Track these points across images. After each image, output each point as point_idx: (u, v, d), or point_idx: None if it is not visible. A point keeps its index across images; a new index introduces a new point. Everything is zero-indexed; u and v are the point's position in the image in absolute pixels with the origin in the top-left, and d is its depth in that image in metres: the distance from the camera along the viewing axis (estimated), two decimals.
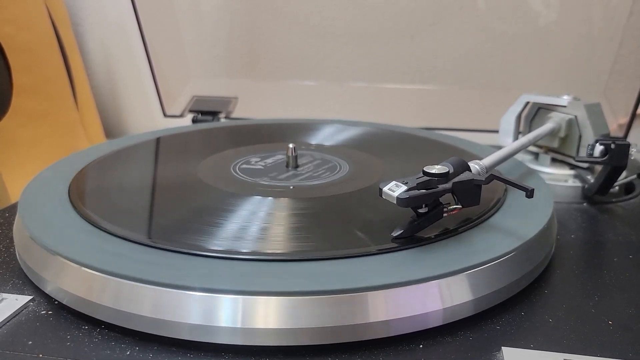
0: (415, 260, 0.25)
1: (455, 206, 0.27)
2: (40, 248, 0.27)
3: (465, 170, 0.28)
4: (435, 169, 0.27)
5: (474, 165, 0.30)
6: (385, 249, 0.26)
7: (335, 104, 0.70)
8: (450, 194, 0.27)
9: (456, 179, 0.27)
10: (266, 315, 0.22)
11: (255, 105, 0.68)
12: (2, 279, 0.28)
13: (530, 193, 0.26)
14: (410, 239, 0.27)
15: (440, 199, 0.27)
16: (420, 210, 0.27)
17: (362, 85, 0.67)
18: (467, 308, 0.25)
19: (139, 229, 0.29)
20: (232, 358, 0.22)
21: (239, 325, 0.22)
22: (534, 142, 0.40)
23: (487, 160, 0.32)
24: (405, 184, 0.25)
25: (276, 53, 0.68)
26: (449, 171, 0.27)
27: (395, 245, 0.26)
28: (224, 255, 0.25)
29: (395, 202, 0.25)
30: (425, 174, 0.26)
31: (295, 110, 0.68)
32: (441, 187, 0.26)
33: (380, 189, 0.26)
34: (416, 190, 0.25)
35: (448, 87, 0.65)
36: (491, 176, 0.27)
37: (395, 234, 0.27)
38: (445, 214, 0.27)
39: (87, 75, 0.75)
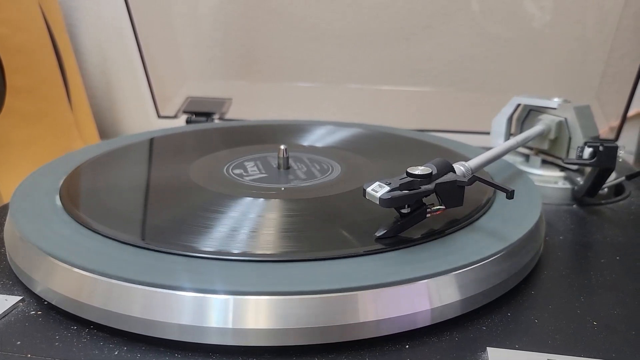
0: (404, 260, 0.25)
1: (438, 207, 0.28)
2: (30, 248, 0.27)
3: (449, 172, 0.28)
4: (419, 170, 0.27)
5: (459, 167, 0.30)
6: (375, 249, 0.26)
7: (332, 106, 0.70)
8: (435, 195, 0.27)
9: (439, 180, 0.27)
10: (256, 316, 0.22)
11: (251, 107, 0.68)
12: None
13: (510, 194, 0.27)
14: (400, 240, 0.27)
15: (425, 200, 0.28)
16: (403, 211, 0.27)
17: (358, 87, 0.68)
18: (455, 308, 0.25)
19: (130, 229, 0.29)
20: (220, 358, 0.22)
21: (229, 326, 0.22)
22: (522, 144, 0.40)
23: (473, 162, 0.32)
24: (389, 184, 0.26)
25: (272, 55, 0.68)
26: (432, 172, 0.27)
27: (385, 246, 0.26)
28: (215, 255, 0.25)
29: (378, 202, 0.25)
30: (409, 174, 0.27)
31: (291, 112, 0.68)
32: (424, 188, 0.26)
33: (364, 190, 0.26)
34: (399, 191, 0.26)
35: (443, 89, 0.66)
36: (474, 177, 0.27)
37: (378, 234, 0.27)
38: (428, 215, 0.28)
39: (83, 76, 0.75)
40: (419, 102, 0.67)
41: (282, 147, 0.39)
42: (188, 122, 0.61)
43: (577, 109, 0.42)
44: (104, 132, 0.79)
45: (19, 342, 0.23)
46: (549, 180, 0.43)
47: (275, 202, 0.32)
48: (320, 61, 0.67)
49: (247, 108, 0.66)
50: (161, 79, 0.64)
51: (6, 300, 0.26)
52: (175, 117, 0.63)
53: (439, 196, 0.27)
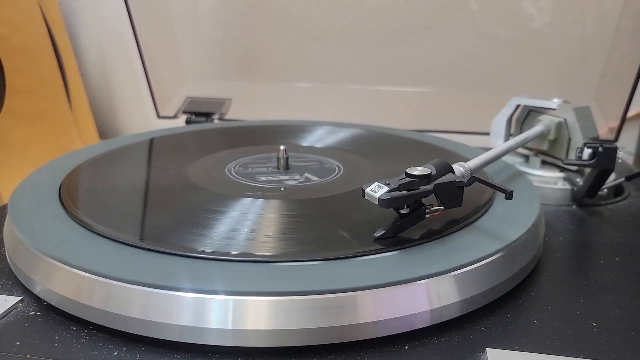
0: (404, 261, 0.26)
1: (437, 207, 0.28)
2: (29, 249, 0.27)
3: (448, 172, 0.28)
4: (418, 170, 0.27)
5: (458, 167, 0.30)
6: (374, 250, 0.26)
7: (331, 106, 0.70)
8: (434, 196, 0.27)
9: (438, 181, 0.27)
10: (256, 317, 0.22)
11: (251, 107, 0.68)
12: None
13: (509, 195, 0.27)
14: (399, 240, 0.27)
15: (424, 201, 0.28)
16: (402, 211, 0.27)
17: (358, 88, 0.68)
18: (454, 309, 0.25)
19: (129, 230, 0.29)
20: (219, 359, 0.22)
21: (229, 327, 0.22)
22: (522, 145, 0.40)
23: (472, 163, 0.32)
24: (388, 185, 0.26)
25: (272, 55, 0.68)
26: (431, 173, 0.27)
27: (384, 246, 0.26)
28: (215, 256, 0.25)
29: (377, 202, 0.25)
30: (408, 175, 0.27)
31: (291, 112, 0.68)
32: (423, 188, 0.26)
33: (363, 190, 0.26)
34: (398, 192, 0.26)
35: (443, 90, 0.66)
36: (473, 178, 0.27)
37: (377, 234, 0.27)
38: (427, 215, 0.28)
39: (83, 77, 0.75)
40: (418, 102, 0.67)
41: (282, 147, 0.39)
42: (188, 122, 0.61)
43: (576, 110, 0.42)
44: (104, 132, 0.79)
45: (18, 343, 0.23)
46: (549, 181, 0.43)
47: (274, 203, 0.32)
48: (320, 61, 0.67)
49: (246, 108, 0.66)
50: (161, 79, 0.64)
51: (5, 300, 0.26)
52: (174, 117, 0.63)
53: (438, 197, 0.27)
